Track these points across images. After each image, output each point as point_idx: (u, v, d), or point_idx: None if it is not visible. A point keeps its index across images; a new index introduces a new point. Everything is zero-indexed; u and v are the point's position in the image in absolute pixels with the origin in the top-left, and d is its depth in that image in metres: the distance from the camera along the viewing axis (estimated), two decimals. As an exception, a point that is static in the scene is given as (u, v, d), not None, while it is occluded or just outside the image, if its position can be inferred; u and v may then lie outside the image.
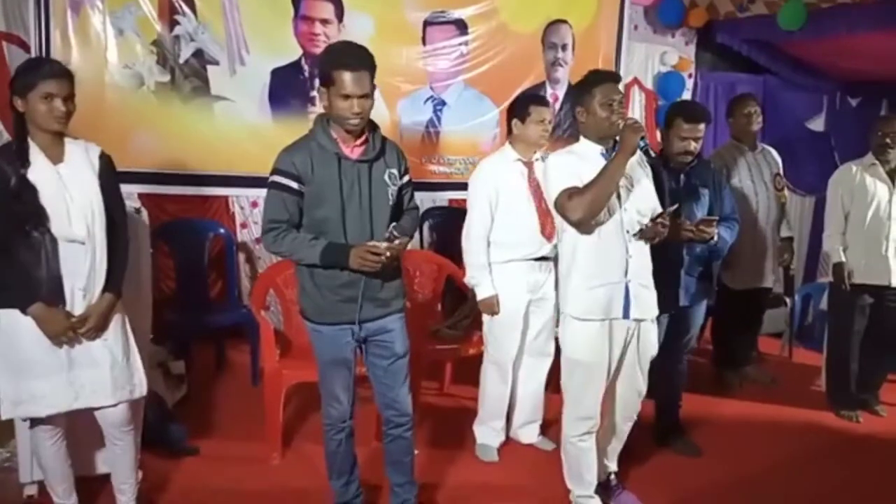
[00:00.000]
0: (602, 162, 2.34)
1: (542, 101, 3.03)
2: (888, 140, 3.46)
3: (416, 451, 2.45)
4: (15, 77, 2.03)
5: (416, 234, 4.39)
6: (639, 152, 2.34)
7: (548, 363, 3.15)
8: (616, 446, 2.66)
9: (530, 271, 2.95)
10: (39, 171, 2.02)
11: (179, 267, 3.79)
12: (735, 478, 2.98)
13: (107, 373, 2.14)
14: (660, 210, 2.44)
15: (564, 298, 2.45)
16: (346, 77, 2.02)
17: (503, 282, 2.92)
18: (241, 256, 4.12)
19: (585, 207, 2.29)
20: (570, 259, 2.41)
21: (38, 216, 1.99)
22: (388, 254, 2.07)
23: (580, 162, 2.37)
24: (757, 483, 2.96)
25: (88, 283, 2.08)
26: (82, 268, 2.06)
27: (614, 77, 2.43)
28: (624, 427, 2.60)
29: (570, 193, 2.30)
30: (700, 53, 5.32)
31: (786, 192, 3.95)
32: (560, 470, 2.62)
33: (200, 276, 3.82)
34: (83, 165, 2.10)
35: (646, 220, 2.38)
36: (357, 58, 2.06)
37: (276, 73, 3.96)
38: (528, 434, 3.20)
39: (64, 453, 2.27)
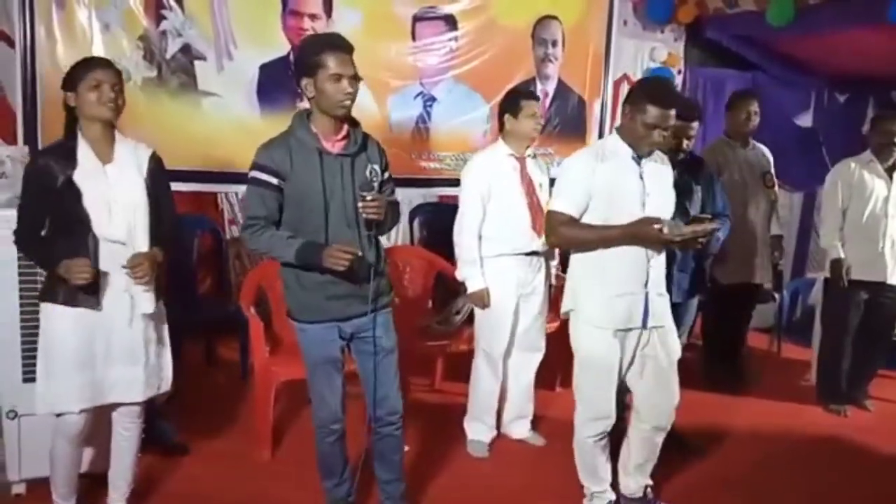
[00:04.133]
0: (630, 164, 2.31)
1: (533, 96, 3.05)
2: (894, 139, 3.48)
3: (406, 448, 2.44)
4: (66, 77, 2.10)
5: (406, 230, 4.40)
6: (661, 155, 2.35)
7: (538, 358, 3.16)
8: (650, 459, 2.57)
9: (521, 266, 2.96)
10: (87, 171, 2.05)
11: (167, 263, 3.76)
12: (727, 473, 3.00)
13: (141, 370, 2.17)
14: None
15: (578, 302, 2.40)
16: (336, 57, 2.02)
17: (494, 276, 2.93)
18: (232, 253, 4.09)
19: (565, 244, 2.37)
20: (590, 265, 2.37)
21: (80, 219, 2.03)
22: (359, 253, 2.06)
23: (602, 163, 2.31)
24: (749, 478, 2.98)
25: (128, 281, 2.09)
26: (122, 267, 2.08)
27: (677, 106, 2.33)
28: (656, 439, 2.51)
29: (565, 222, 2.31)
30: (689, 49, 5.32)
31: (776, 189, 3.97)
32: (551, 465, 2.63)
33: (189, 272, 3.80)
34: (130, 166, 2.13)
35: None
36: (341, 40, 2.08)
37: (265, 69, 3.92)
38: (519, 429, 3.21)
39: (80, 452, 2.28)
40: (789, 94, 5.26)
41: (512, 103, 2.95)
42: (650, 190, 2.32)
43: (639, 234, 2.23)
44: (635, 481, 2.58)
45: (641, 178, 2.32)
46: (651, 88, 2.33)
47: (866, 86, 5.26)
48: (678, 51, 5.29)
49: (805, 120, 5.42)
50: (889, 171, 3.55)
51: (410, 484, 2.51)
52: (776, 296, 4.49)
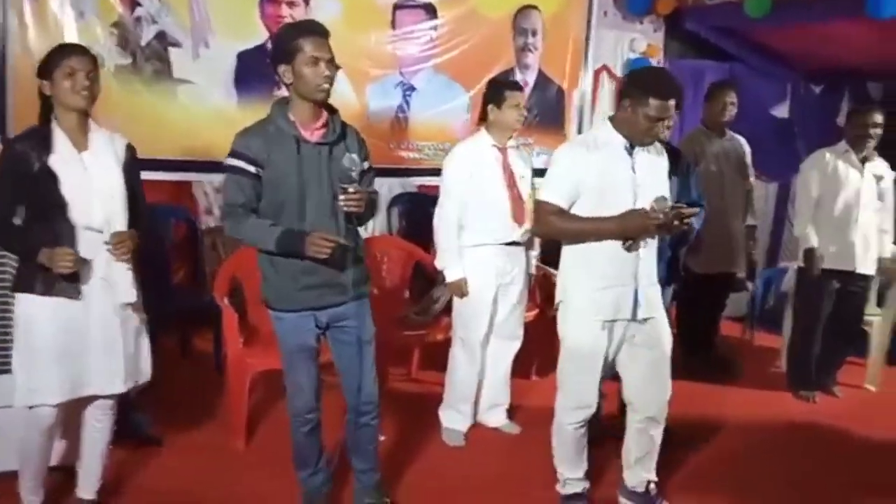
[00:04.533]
0: (622, 154, 2.31)
1: (517, 86, 3.05)
2: (870, 132, 3.52)
3: (382, 438, 2.45)
4: (40, 64, 2.07)
5: (385, 220, 4.39)
6: (658, 146, 2.35)
7: (516, 346, 3.18)
8: (649, 453, 2.54)
9: (500, 256, 2.97)
10: (62, 158, 2.03)
11: (140, 253, 3.72)
12: (702, 460, 3.04)
13: (120, 361, 2.15)
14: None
15: (567, 292, 2.41)
16: (313, 41, 2.02)
17: (473, 266, 2.94)
18: (207, 243, 4.06)
19: (554, 234, 2.38)
20: (579, 256, 2.37)
21: (58, 204, 2.01)
22: (341, 241, 2.06)
23: (593, 154, 2.30)
24: (727, 467, 3.02)
25: (107, 270, 2.07)
26: (100, 256, 2.06)
27: (675, 96, 2.30)
28: (651, 431, 2.50)
29: (554, 212, 2.31)
30: (668, 41, 5.35)
31: (751, 179, 4.01)
32: (526, 453, 2.64)
33: (163, 262, 3.76)
34: (107, 154, 2.12)
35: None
36: (318, 25, 2.08)
37: (242, 57, 3.88)
38: (495, 418, 3.23)
39: (51, 445, 2.25)
40: (766, 85, 5.31)
41: (496, 93, 2.95)
42: (642, 181, 2.31)
43: (629, 227, 2.24)
44: (636, 475, 2.58)
45: (633, 168, 2.32)
46: (652, 80, 2.32)
47: (842, 78, 5.32)
48: (658, 42, 5.31)
49: (781, 111, 5.48)
50: (863, 163, 3.60)
51: (386, 473, 2.52)
52: (749, 285, 4.55)
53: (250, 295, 3.03)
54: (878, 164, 3.66)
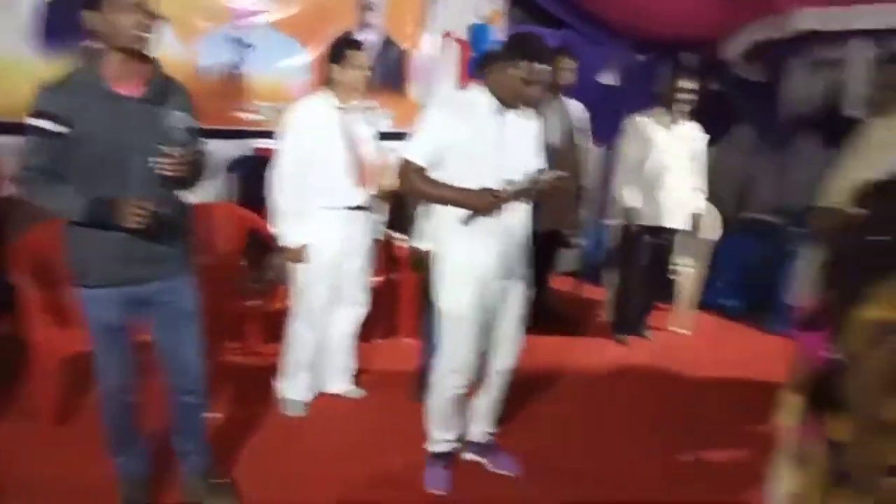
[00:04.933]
0: (490, 117, 2.31)
1: (359, 46, 2.92)
2: (678, 97, 3.79)
3: (216, 415, 2.33)
4: None
5: (222, 186, 4.14)
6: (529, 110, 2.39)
7: (361, 313, 3.15)
8: (492, 405, 2.65)
9: (344, 220, 2.90)
10: None
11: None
12: (536, 406, 3.22)
13: None
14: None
15: (440, 252, 2.41)
16: None
17: (315, 230, 2.85)
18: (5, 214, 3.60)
19: (416, 194, 2.41)
20: (452, 215, 2.34)
21: None
22: (157, 209, 1.90)
23: (460, 115, 2.29)
24: (552, 405, 3.25)
25: None
26: None
27: (547, 59, 2.31)
28: (499, 381, 2.59)
29: (417, 171, 2.29)
30: (510, 7, 5.45)
31: (583, 142, 4.20)
32: (371, 417, 2.61)
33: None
34: None
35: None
36: None
37: (50, 5, 3.43)
38: (339, 384, 3.20)
39: None
40: (597, 52, 5.57)
41: (337, 52, 2.83)
42: (511, 144, 2.33)
43: (477, 204, 2.24)
44: (479, 427, 2.68)
45: (503, 131, 2.33)
46: (526, 43, 2.31)
47: (666, 47, 5.70)
48: (500, 8, 5.39)
49: (610, 78, 5.79)
50: (673, 126, 3.89)
51: (223, 453, 2.42)
52: (579, 242, 4.84)
53: (57, 271, 2.74)
54: (690, 127, 3.97)
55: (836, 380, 1.46)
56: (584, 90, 4.41)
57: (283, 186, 2.80)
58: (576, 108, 4.13)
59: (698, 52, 5.34)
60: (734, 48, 5.10)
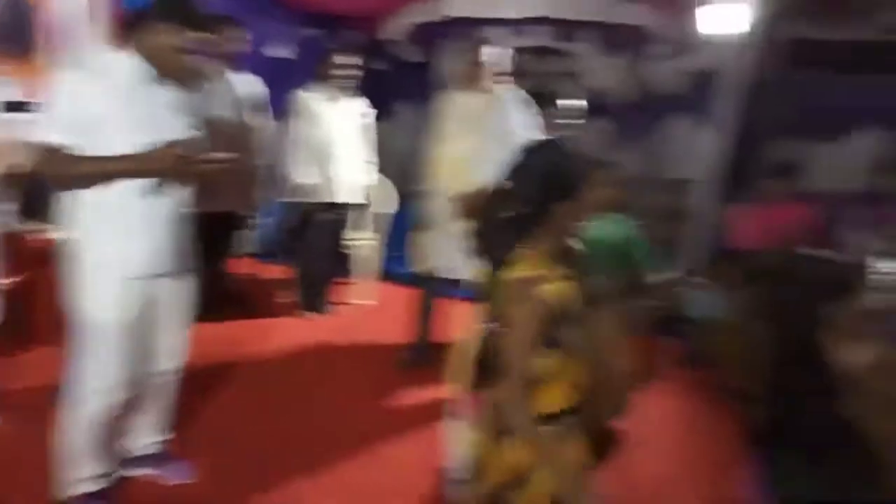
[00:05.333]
0: (135, 87, 2.00)
1: None
2: (337, 72, 3.83)
3: None
4: None
5: None
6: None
7: None
8: (159, 412, 2.39)
9: None
10: None
11: None
12: (219, 400, 3.07)
13: None
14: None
15: (80, 247, 2.04)
16: None
17: None
18: None
19: (58, 179, 2.03)
20: (95, 203, 2.01)
21: None
22: None
23: (102, 81, 1.96)
24: (239, 391, 3.17)
25: None
26: None
27: (209, 26, 2.08)
28: (164, 385, 2.34)
29: (53, 152, 1.92)
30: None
31: (258, 119, 4.02)
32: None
33: None
34: None
35: None
36: None
37: None
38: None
39: None
40: (269, 26, 5.40)
41: None
42: (160, 120, 2.04)
43: (163, 165, 1.98)
44: (146, 440, 2.42)
45: (151, 104, 2.03)
46: (183, 7, 2.03)
47: (336, 22, 5.78)
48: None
49: (284, 52, 5.67)
50: (335, 101, 3.95)
51: None
52: (255, 222, 4.70)
53: None
54: (356, 102, 4.07)
55: (494, 346, 1.61)
56: (259, 65, 4.24)
57: None
58: (249, 83, 3.95)
59: (364, 30, 5.53)
60: (396, 30, 5.40)
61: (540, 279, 1.52)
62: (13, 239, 2.91)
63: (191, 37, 2.03)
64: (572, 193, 1.58)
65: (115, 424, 2.22)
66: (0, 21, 3.83)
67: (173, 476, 2.44)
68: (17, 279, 3.06)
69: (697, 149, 4.79)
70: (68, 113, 1.94)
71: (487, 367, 1.64)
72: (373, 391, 3.32)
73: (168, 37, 2.00)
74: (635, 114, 5.40)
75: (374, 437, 2.87)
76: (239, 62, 3.87)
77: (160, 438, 2.45)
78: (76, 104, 1.94)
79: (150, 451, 2.43)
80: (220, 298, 4.06)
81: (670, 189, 4.96)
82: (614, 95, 5.37)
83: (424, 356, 3.48)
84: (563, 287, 1.54)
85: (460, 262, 3.16)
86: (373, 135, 4.20)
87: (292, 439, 2.81)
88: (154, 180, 2.04)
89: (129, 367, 2.14)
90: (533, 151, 1.67)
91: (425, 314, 3.56)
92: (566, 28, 5.03)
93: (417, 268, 3.51)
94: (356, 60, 3.95)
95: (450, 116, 3.35)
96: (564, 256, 1.61)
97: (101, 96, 1.96)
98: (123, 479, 2.36)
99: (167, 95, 2.09)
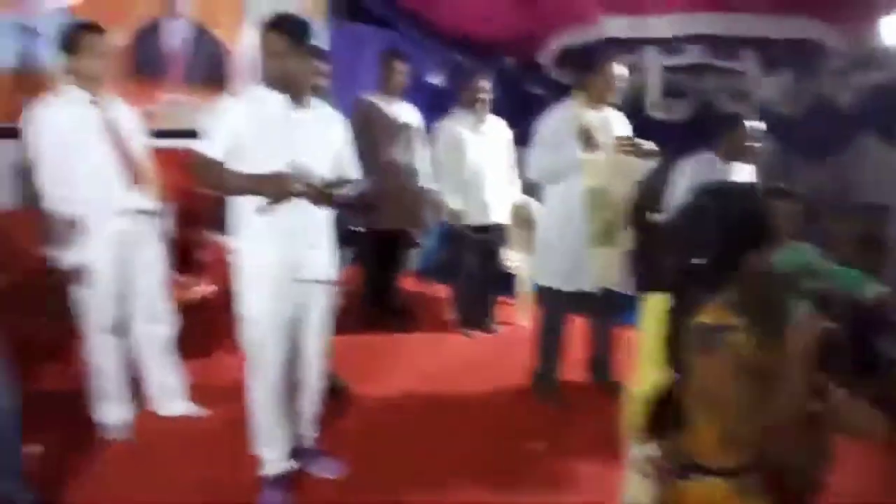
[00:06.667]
0: (282, 109, 2.24)
1: (99, 30, 2.63)
2: (478, 96, 3.92)
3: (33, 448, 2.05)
4: None
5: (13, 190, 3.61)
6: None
7: (165, 331, 2.90)
8: (312, 409, 2.56)
9: (118, 227, 2.65)
10: None
11: None
12: (373, 404, 3.20)
13: None
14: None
15: (238, 251, 2.30)
16: None
17: (86, 245, 2.56)
18: None
19: (207, 187, 2.28)
20: (248, 212, 2.25)
21: None
22: None
23: (248, 107, 2.22)
24: (407, 405, 3.25)
25: None
26: None
27: (286, 29, 2.23)
28: (311, 382, 2.50)
29: (206, 163, 2.18)
30: (335, 4, 5.36)
31: (419, 145, 4.24)
32: (214, 435, 2.45)
33: None
34: None
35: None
36: None
37: None
38: (170, 405, 2.97)
39: None
40: (423, 54, 5.66)
41: (67, 39, 2.57)
42: (302, 140, 2.25)
43: (266, 190, 2.17)
44: (304, 432, 2.59)
45: (292, 125, 2.25)
46: (270, 17, 2.26)
47: (485, 48, 5.93)
48: (321, 2, 5.28)
49: (436, 79, 5.90)
50: (481, 126, 4.02)
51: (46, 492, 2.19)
52: (419, 241, 4.91)
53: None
54: (495, 124, 4.12)
55: (673, 397, 1.54)
56: (415, 91, 4.48)
57: (50, 198, 2.52)
58: (407, 110, 4.18)
59: (521, 55, 5.62)
60: (549, 54, 5.45)
61: (730, 328, 1.43)
62: (198, 248, 3.25)
63: (265, 38, 2.22)
64: (766, 243, 1.51)
65: (282, 414, 2.41)
66: (193, 57, 4.35)
67: (322, 471, 2.59)
68: (207, 289, 3.41)
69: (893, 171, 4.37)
70: (219, 128, 2.22)
71: (667, 416, 1.56)
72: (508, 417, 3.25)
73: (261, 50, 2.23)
74: (814, 133, 4.98)
75: (529, 463, 2.81)
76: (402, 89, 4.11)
77: (308, 433, 2.60)
78: (229, 126, 2.22)
79: (303, 444, 2.58)
80: (389, 312, 4.33)
81: (864, 215, 4.45)
82: (787, 114, 5.03)
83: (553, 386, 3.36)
84: (754, 338, 1.44)
85: (616, 281, 3.12)
86: (513, 154, 4.18)
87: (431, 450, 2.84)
88: (269, 199, 2.22)
89: (284, 365, 2.36)
90: (723, 196, 1.57)
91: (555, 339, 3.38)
92: (727, 45, 4.84)
93: (552, 284, 3.29)
94: (488, 84, 4.01)
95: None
96: (759, 305, 1.50)
97: (248, 121, 2.21)
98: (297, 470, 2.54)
99: (309, 117, 2.31)
